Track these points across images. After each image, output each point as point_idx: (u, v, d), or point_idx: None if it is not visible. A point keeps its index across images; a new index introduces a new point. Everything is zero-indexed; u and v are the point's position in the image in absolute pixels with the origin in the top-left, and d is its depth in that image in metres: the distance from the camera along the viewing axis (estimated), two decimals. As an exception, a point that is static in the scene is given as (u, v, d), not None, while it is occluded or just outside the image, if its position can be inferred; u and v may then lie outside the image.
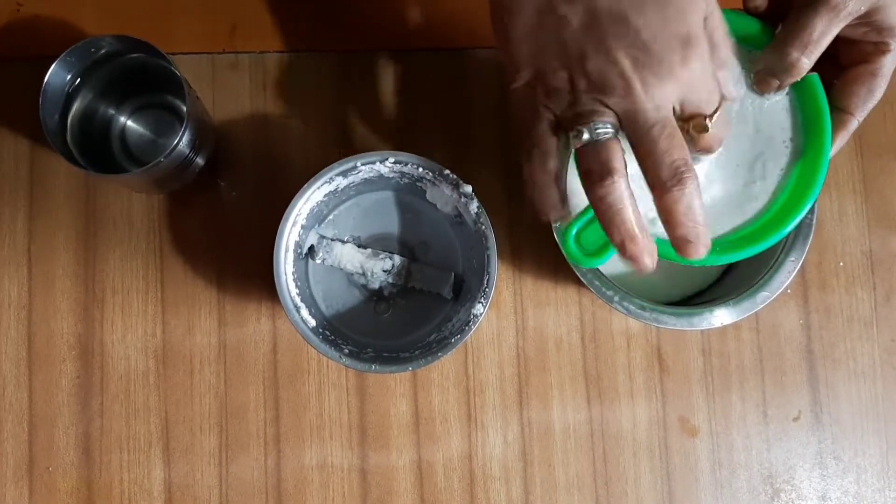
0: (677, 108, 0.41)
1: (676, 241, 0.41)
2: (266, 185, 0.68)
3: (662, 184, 0.40)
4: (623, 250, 0.42)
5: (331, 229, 0.64)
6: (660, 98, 0.40)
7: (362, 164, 0.56)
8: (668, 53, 0.39)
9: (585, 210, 0.48)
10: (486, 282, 0.55)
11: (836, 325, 0.70)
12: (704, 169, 0.50)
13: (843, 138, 0.50)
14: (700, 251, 0.41)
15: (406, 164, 0.56)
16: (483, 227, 0.56)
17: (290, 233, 0.56)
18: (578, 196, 0.46)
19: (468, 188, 0.56)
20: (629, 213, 0.41)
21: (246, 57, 0.70)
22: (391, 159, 0.55)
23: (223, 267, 0.68)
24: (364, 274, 0.62)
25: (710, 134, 0.42)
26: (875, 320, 0.71)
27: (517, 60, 0.43)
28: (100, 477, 0.66)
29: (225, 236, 0.68)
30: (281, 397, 0.67)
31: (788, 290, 0.70)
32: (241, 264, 0.67)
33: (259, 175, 0.69)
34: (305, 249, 0.62)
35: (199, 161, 0.63)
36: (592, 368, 0.69)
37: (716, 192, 0.50)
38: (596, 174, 0.41)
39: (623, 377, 0.69)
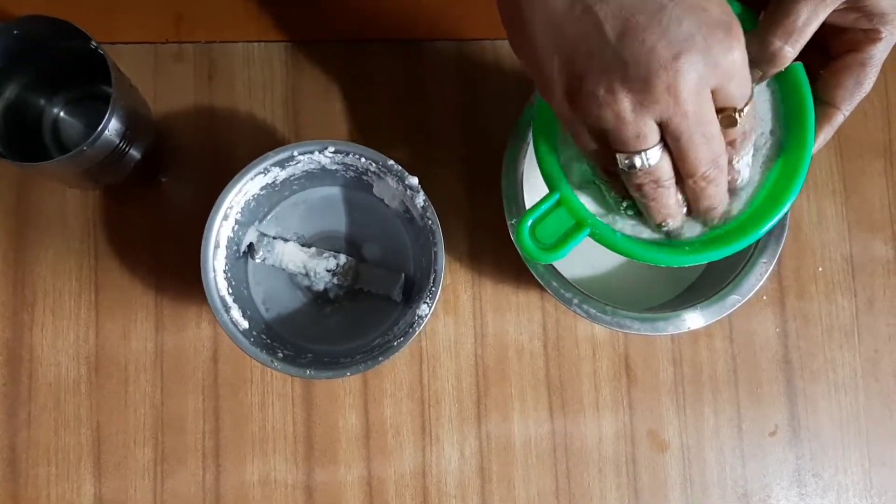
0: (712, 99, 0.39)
1: (700, 210, 0.43)
2: (210, 182, 0.63)
3: (697, 178, 0.40)
4: (660, 226, 0.44)
5: (273, 227, 0.60)
6: (702, 95, 0.37)
7: (300, 154, 0.52)
8: (714, 42, 0.37)
9: (541, 201, 0.45)
10: (432, 280, 0.51)
11: (815, 335, 0.66)
12: None
13: (827, 133, 0.46)
14: (721, 212, 0.44)
15: (348, 154, 0.52)
16: (430, 223, 0.52)
17: (220, 227, 0.52)
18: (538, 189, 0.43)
19: (413, 180, 0.52)
20: (671, 197, 0.42)
21: (191, 47, 0.66)
22: (331, 148, 0.52)
23: (162, 268, 0.64)
24: (307, 274, 0.58)
25: (738, 129, 0.40)
26: (856, 329, 0.67)
27: (545, 74, 0.40)
28: (25, 491, 0.61)
29: (165, 235, 0.64)
30: (221, 408, 0.63)
31: (764, 297, 0.66)
32: (182, 265, 0.63)
33: (203, 171, 0.65)
34: (243, 247, 0.57)
35: (135, 154, 0.59)
36: (556, 378, 0.64)
37: None
38: (648, 189, 0.41)
39: (588, 387, 0.65)
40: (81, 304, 0.63)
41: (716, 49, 0.37)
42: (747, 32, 0.43)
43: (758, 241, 0.57)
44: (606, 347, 0.65)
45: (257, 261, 0.58)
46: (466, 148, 0.66)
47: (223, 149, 0.65)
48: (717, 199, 0.42)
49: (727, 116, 0.39)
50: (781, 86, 0.45)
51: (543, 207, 0.45)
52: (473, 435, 0.63)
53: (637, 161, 0.39)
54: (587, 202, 0.46)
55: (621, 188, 0.43)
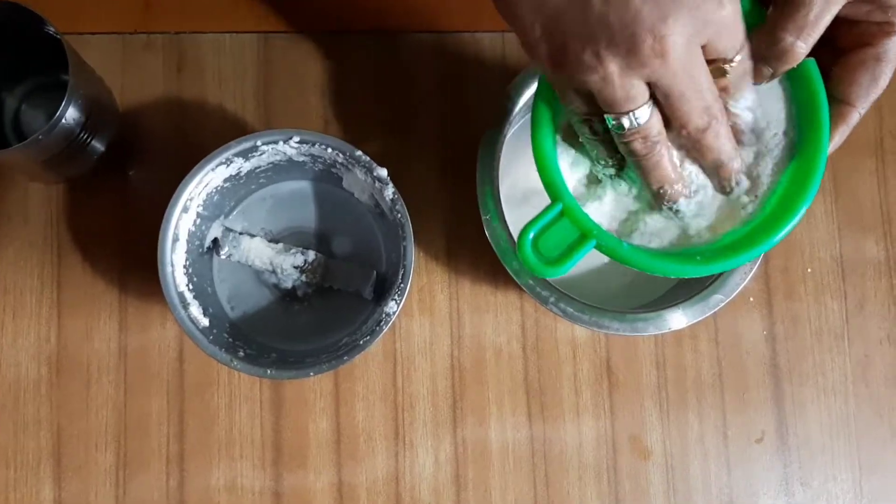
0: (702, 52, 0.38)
1: (708, 166, 0.42)
2: (178, 176, 0.60)
3: (691, 129, 0.39)
4: (659, 196, 0.42)
5: (240, 222, 0.57)
6: (692, 53, 0.37)
7: (264, 144, 0.50)
8: None
9: (543, 211, 0.42)
10: (401, 276, 0.49)
11: (804, 337, 0.64)
12: (690, 170, 0.44)
13: (842, 133, 0.43)
14: (735, 166, 0.42)
15: (314, 145, 0.50)
16: (399, 216, 0.50)
17: (178, 219, 0.50)
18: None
19: (382, 171, 0.50)
20: (664, 155, 0.41)
21: (160, 37, 0.64)
22: (296, 138, 0.49)
23: (127, 265, 0.61)
24: (275, 271, 0.56)
25: (729, 80, 0.39)
26: (846, 332, 0.64)
27: (530, 40, 0.39)
28: (-19, 497, 0.59)
29: (131, 231, 0.62)
30: (187, 410, 0.60)
31: (751, 299, 0.64)
32: (148, 263, 0.59)
33: (171, 164, 0.62)
34: (207, 242, 0.55)
35: (98, 145, 0.57)
36: (534, 381, 0.62)
37: (702, 196, 0.44)
38: (637, 146, 0.40)
39: (568, 391, 0.62)
40: (43, 302, 0.61)
41: (706, 6, 0.35)
42: (756, 28, 0.41)
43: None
44: (587, 349, 0.63)
45: (222, 257, 0.56)
46: (445, 143, 0.64)
47: (192, 141, 0.63)
48: (721, 150, 0.41)
49: (718, 68, 0.38)
50: (792, 84, 0.43)
51: (546, 219, 0.42)
52: (449, 440, 0.61)
53: (626, 121, 0.38)
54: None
55: (609, 149, 0.42)
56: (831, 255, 0.65)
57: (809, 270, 0.65)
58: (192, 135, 0.63)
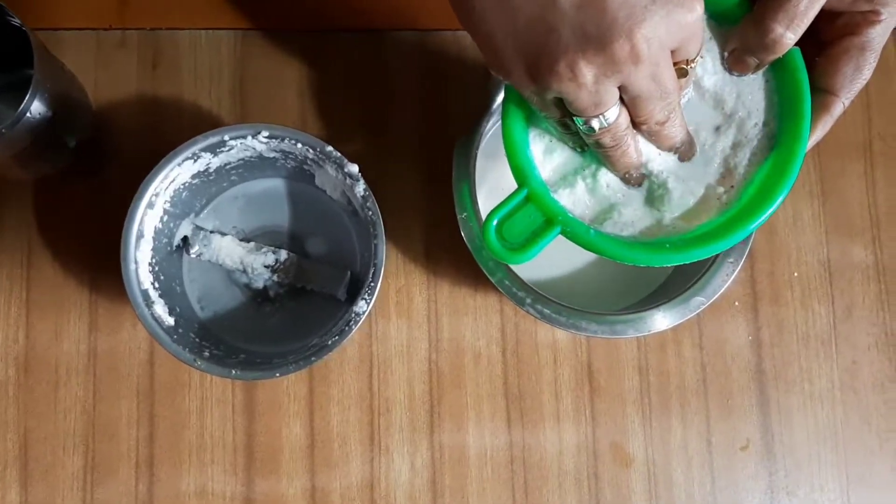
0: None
1: (664, 148, 0.43)
2: (152, 175, 0.61)
3: (651, 125, 0.40)
4: (625, 179, 0.43)
5: (211, 221, 0.56)
6: (663, 57, 0.37)
7: (232, 139, 0.48)
8: (675, 3, 0.36)
9: (509, 197, 0.42)
10: (371, 275, 0.48)
11: (790, 343, 0.63)
12: (669, 161, 0.43)
13: (825, 124, 0.42)
14: (684, 140, 0.42)
15: (283, 140, 0.49)
16: (370, 213, 0.48)
17: (143, 215, 0.48)
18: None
19: (353, 168, 0.49)
20: (630, 145, 0.41)
21: (135, 34, 0.63)
22: (265, 133, 0.48)
23: (99, 265, 0.60)
24: (246, 271, 0.54)
25: (688, 78, 0.40)
26: (834, 338, 0.63)
27: (501, 55, 0.39)
28: (-55, 502, 0.57)
29: (102, 231, 0.60)
30: (157, 414, 0.59)
31: (736, 303, 0.63)
32: (119, 263, 0.59)
33: (145, 163, 0.59)
34: (177, 241, 0.54)
35: (69, 142, 0.56)
36: (514, 386, 0.61)
37: (679, 186, 0.43)
38: (605, 141, 0.40)
39: (548, 396, 0.61)
40: (12, 302, 0.60)
41: (678, 11, 0.35)
42: (742, 18, 0.40)
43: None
44: (568, 354, 0.61)
45: (193, 256, 0.54)
46: (425, 143, 0.63)
47: (167, 140, 0.60)
48: (675, 135, 0.42)
49: (680, 69, 0.38)
50: (776, 73, 0.42)
51: (511, 204, 0.42)
52: (425, 446, 0.60)
53: (595, 123, 0.39)
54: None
55: (580, 140, 0.42)
56: (818, 259, 0.64)
57: (796, 275, 0.64)
58: (167, 133, 0.62)
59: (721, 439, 0.61)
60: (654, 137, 0.42)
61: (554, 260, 0.60)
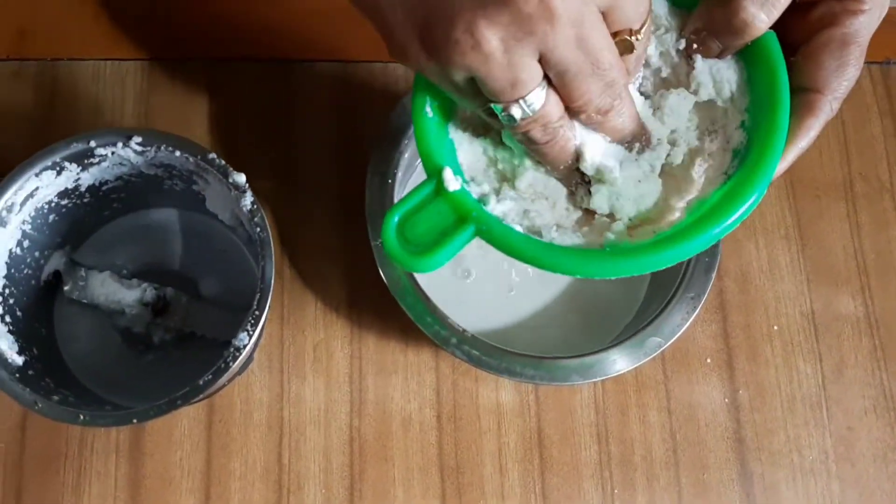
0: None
1: (614, 140, 0.35)
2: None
3: (591, 113, 0.33)
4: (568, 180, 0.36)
5: (91, 256, 0.49)
6: (588, 17, 0.30)
7: (100, 146, 0.41)
8: None
9: (414, 190, 0.34)
10: (256, 302, 0.40)
11: (773, 407, 0.54)
12: (619, 155, 0.36)
13: (809, 127, 0.34)
14: (634, 131, 0.35)
15: (160, 148, 0.42)
16: (258, 230, 0.41)
17: (-12, 229, 0.41)
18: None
19: (240, 177, 0.41)
20: (568, 140, 0.34)
21: (34, 65, 0.57)
22: (137, 139, 0.41)
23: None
24: (124, 312, 0.46)
25: (636, 54, 0.33)
26: (824, 401, 0.54)
27: (392, 29, 0.32)
28: None
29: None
30: (25, 489, 0.50)
31: (708, 360, 0.54)
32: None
33: None
34: (45, 275, 0.46)
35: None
36: (451, 457, 0.52)
37: (633, 187, 0.36)
38: (536, 135, 0.33)
39: (491, 470, 0.52)
40: None
41: None
42: None
43: (683, 274, 0.46)
44: (514, 418, 0.52)
45: (67, 294, 0.47)
46: (343, 182, 0.56)
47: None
48: (625, 131, 0.35)
49: (622, 41, 0.31)
50: (747, 59, 0.35)
51: (416, 199, 0.34)
52: (343, 530, 0.50)
53: (516, 111, 0.32)
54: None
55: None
56: (801, 310, 0.56)
57: (776, 328, 0.55)
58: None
59: (697, 521, 0.51)
60: (599, 129, 0.34)
61: (505, 307, 0.53)
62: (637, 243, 0.34)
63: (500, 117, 0.32)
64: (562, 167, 0.35)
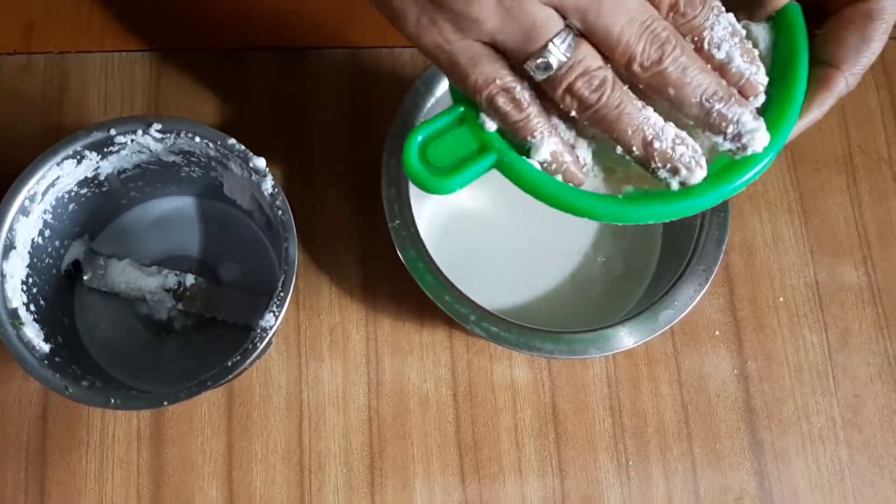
0: None
1: (695, 116, 0.33)
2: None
3: (643, 67, 0.31)
4: (647, 157, 0.32)
5: (109, 245, 0.49)
6: None
7: (120, 134, 0.42)
8: None
9: (440, 114, 0.35)
10: (281, 283, 0.40)
11: (782, 376, 0.55)
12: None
13: (823, 101, 0.35)
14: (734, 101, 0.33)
15: (180, 134, 0.42)
16: (280, 213, 0.41)
17: (14, 221, 0.41)
18: None
19: (260, 161, 0.42)
20: (633, 107, 0.32)
21: (42, 58, 0.58)
22: (157, 125, 0.42)
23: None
24: (145, 299, 0.47)
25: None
26: (830, 370, 0.56)
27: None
28: None
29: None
30: (49, 478, 0.50)
31: (717, 332, 0.55)
32: None
33: None
34: (66, 265, 0.47)
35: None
36: (468, 434, 0.53)
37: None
38: (589, 97, 0.31)
39: (508, 445, 0.52)
40: None
41: None
42: None
43: (694, 246, 0.47)
44: (530, 395, 0.53)
45: (87, 283, 0.47)
46: (355, 164, 0.57)
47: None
48: (697, 84, 0.31)
49: None
50: (774, 32, 0.36)
51: (442, 121, 0.35)
52: (365, 507, 0.51)
53: (551, 58, 0.30)
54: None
55: (525, 129, 0.33)
56: (805, 282, 0.57)
57: (782, 300, 0.57)
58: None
59: (710, 489, 0.52)
60: (660, 93, 0.32)
61: (517, 285, 0.53)
62: (655, 191, 0.35)
63: (534, 75, 0.31)
64: (636, 141, 0.32)
